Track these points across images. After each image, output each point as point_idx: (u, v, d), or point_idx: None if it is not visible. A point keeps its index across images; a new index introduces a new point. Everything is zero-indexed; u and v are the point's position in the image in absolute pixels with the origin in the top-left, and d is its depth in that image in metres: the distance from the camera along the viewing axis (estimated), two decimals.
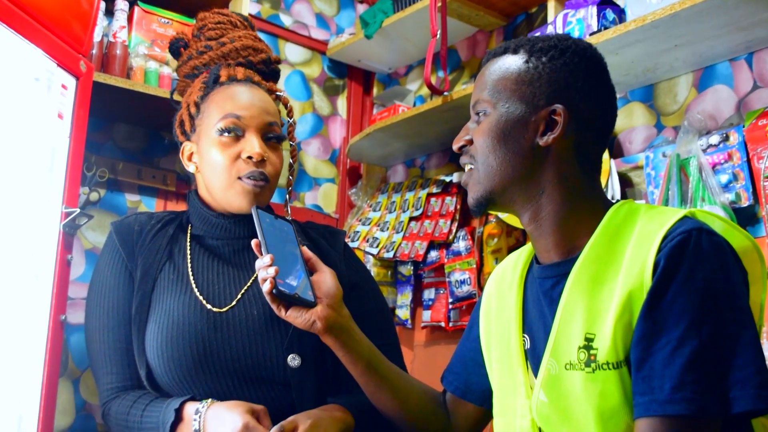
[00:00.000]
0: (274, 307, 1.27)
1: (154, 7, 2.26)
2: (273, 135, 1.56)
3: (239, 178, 1.50)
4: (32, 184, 1.45)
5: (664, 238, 1.05)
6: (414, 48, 2.84)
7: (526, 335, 1.23)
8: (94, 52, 2.08)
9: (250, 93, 1.56)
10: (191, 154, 1.59)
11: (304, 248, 1.37)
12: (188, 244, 1.56)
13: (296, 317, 1.27)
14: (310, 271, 1.35)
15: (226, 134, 1.50)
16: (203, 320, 1.44)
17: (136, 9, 2.23)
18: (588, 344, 1.06)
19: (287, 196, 1.71)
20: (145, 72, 2.19)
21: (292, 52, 2.98)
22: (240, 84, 1.57)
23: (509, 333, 1.26)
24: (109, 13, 2.20)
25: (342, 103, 3.13)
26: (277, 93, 1.66)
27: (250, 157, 1.49)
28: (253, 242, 1.30)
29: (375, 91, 3.18)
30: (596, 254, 1.12)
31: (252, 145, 1.50)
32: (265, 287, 1.24)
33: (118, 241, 1.54)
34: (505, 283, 1.33)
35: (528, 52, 1.19)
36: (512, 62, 1.20)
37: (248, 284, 1.51)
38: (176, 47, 1.72)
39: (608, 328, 1.05)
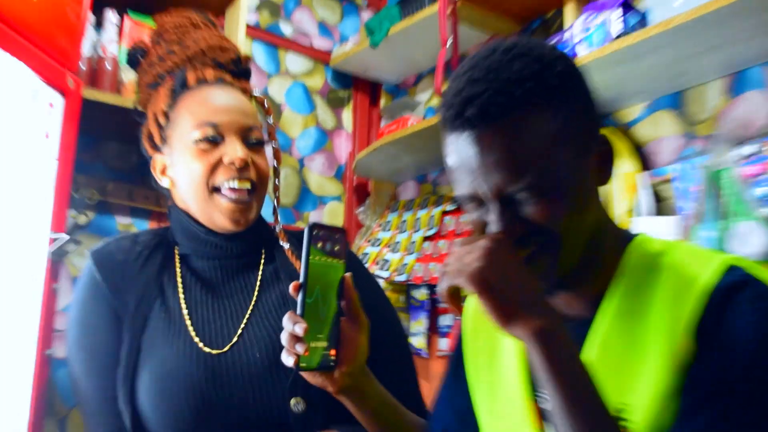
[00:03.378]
0: (284, 359, 1.19)
1: (145, 17, 2.28)
2: (255, 139, 1.52)
3: (216, 189, 1.46)
4: (17, 208, 1.46)
5: (710, 292, 0.97)
6: (423, 56, 2.85)
7: (543, 392, 1.08)
8: (82, 66, 2.10)
9: (224, 95, 1.52)
10: (164, 167, 1.55)
11: (348, 285, 1.21)
12: (178, 270, 1.53)
13: (308, 375, 1.22)
14: (344, 307, 1.23)
15: (204, 143, 1.47)
16: (200, 368, 1.40)
17: (126, 20, 2.25)
18: (618, 416, 0.99)
19: (275, 203, 1.64)
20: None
21: (293, 63, 3.00)
22: (211, 86, 1.53)
23: (513, 390, 1.16)
24: (98, 25, 2.22)
25: (347, 115, 3.14)
26: (253, 93, 1.63)
27: (232, 163, 1.45)
28: (292, 286, 1.18)
29: (382, 102, 3.19)
30: (621, 309, 1.04)
31: (234, 149, 1.46)
32: (288, 361, 1.16)
33: (100, 275, 1.48)
34: None
35: (546, 97, 0.99)
36: (541, 120, 0.99)
37: (247, 316, 1.48)
38: (134, 57, 1.67)
39: (645, 399, 0.98)
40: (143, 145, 1.58)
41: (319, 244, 1.18)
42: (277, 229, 1.58)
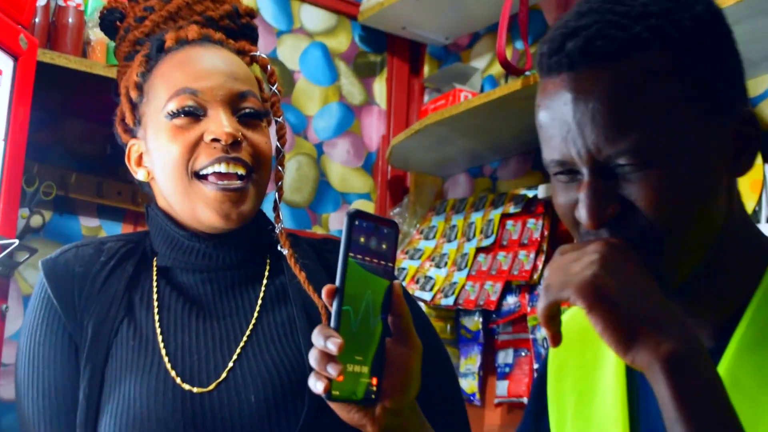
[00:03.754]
0: (311, 384, 1.16)
1: None
2: (249, 108, 1.50)
3: (197, 174, 1.45)
4: None
5: None
6: (481, 9, 2.84)
7: None
8: (37, 20, 2.11)
9: (209, 56, 1.52)
10: (140, 155, 1.54)
11: (398, 296, 1.20)
12: (155, 285, 1.53)
13: (341, 409, 1.19)
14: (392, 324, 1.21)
15: (181, 118, 1.46)
16: (178, 412, 1.39)
17: None
18: None
19: (276, 197, 1.62)
20: (108, 48, 2.21)
21: (309, 18, 3.01)
22: (194, 46, 1.52)
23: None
24: None
25: (380, 87, 3.15)
26: (252, 54, 1.61)
27: (216, 140, 1.44)
28: (326, 291, 1.15)
29: (426, 70, 3.19)
30: (758, 338, 1.04)
31: (217, 122, 1.45)
32: (317, 387, 1.14)
33: (53, 290, 1.49)
34: (591, 353, 1.24)
35: (674, 41, 1.00)
36: (655, 65, 1.00)
37: (241, 345, 1.47)
38: (110, 21, 1.65)
39: None
40: (116, 131, 1.58)
41: (362, 239, 1.15)
42: (277, 230, 1.56)
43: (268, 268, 1.57)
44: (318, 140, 2.98)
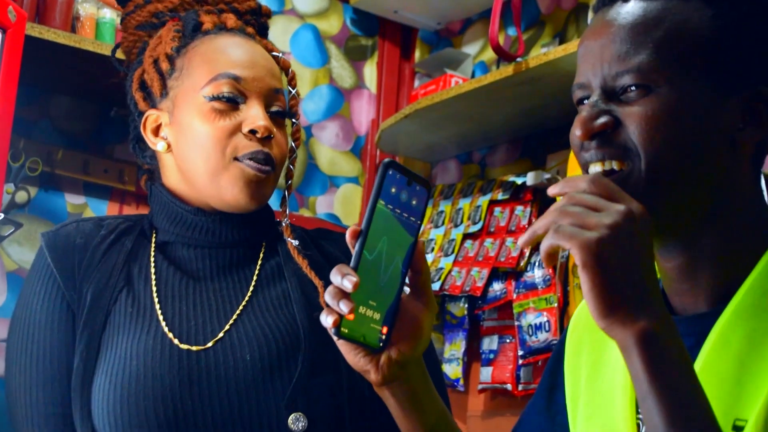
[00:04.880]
0: (322, 318, 1.19)
1: None
2: (279, 108, 1.56)
3: (236, 158, 1.50)
4: None
5: None
6: None
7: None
8: None
9: (249, 47, 1.57)
10: (159, 126, 1.57)
11: (420, 253, 1.23)
12: (152, 260, 1.56)
13: (348, 351, 1.23)
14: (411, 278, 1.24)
15: (220, 102, 1.50)
16: (174, 369, 1.43)
17: None
18: None
19: (285, 192, 1.69)
20: (97, 23, 2.20)
21: (301, 0, 3.01)
22: (232, 34, 1.58)
23: (614, 411, 1.20)
24: None
25: (371, 71, 3.14)
26: (275, 53, 1.66)
27: (253, 132, 1.49)
28: (350, 232, 1.18)
29: (418, 55, 3.18)
30: (755, 304, 1.07)
31: (256, 114, 1.50)
32: (327, 321, 1.17)
33: (53, 260, 1.53)
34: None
35: (706, 1, 1.10)
36: (688, 13, 1.10)
37: (237, 312, 1.51)
38: None
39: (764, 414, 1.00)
40: (132, 98, 1.61)
41: (393, 190, 1.16)
42: (284, 223, 1.61)
43: (263, 250, 1.61)
44: (307, 123, 2.97)
